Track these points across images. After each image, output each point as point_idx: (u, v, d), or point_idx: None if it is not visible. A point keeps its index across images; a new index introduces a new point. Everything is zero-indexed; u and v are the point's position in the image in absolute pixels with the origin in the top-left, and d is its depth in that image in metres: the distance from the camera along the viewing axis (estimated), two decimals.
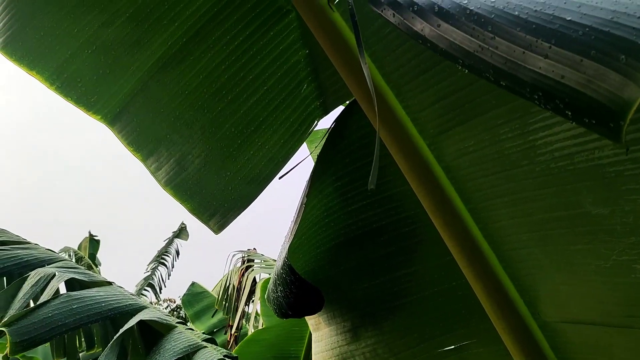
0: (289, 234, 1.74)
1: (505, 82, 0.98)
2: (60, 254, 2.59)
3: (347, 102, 1.78)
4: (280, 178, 1.83)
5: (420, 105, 1.50)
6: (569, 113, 0.87)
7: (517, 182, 1.38)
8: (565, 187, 1.30)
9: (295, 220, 1.73)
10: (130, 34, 1.73)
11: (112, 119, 1.86)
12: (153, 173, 1.90)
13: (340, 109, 1.83)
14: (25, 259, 2.16)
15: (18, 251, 2.20)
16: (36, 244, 2.45)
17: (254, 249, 6.61)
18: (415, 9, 1.18)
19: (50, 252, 2.41)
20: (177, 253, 10.65)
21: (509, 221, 1.45)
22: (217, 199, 1.95)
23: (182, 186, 1.90)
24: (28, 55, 1.72)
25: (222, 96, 1.79)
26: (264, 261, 6.17)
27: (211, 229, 2.01)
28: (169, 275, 10.38)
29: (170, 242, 10.72)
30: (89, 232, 10.83)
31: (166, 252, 10.55)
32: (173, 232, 10.85)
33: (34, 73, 1.73)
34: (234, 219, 2.00)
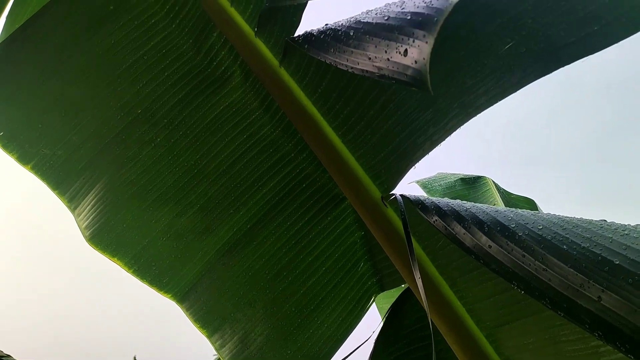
0: None
1: (562, 314, 1.01)
2: None
3: (403, 285, 1.84)
4: None
5: (475, 297, 1.52)
6: (632, 357, 0.88)
7: None
8: None
9: None
10: (201, 222, 1.90)
11: (182, 297, 1.98)
12: (218, 350, 1.97)
13: None
14: None
15: None
16: None
17: None
18: (466, 225, 1.26)
19: None
20: None
21: None
22: None
23: None
24: (112, 244, 1.91)
25: (283, 277, 1.89)
26: None
27: None
28: None
29: None
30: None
31: None
32: None
33: (115, 260, 1.91)
34: None
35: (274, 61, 1.69)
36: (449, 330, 1.55)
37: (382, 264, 1.88)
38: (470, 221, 1.25)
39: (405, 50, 0.94)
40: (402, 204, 1.42)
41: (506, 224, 1.18)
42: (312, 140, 1.69)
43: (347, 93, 1.55)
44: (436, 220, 1.33)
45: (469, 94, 1.25)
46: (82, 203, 1.91)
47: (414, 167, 1.50)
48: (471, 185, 5.31)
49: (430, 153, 1.46)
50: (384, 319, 1.78)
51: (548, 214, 1.19)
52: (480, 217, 1.24)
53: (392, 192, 1.59)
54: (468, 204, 1.32)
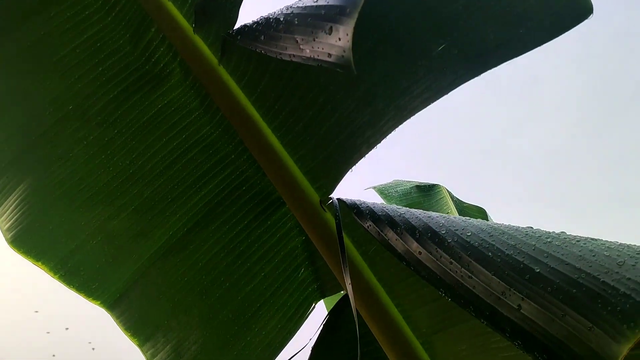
0: None
1: (485, 322, 0.99)
2: None
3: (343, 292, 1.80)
4: None
5: (412, 304, 1.50)
6: None
7: None
8: None
9: None
10: (134, 225, 1.81)
11: (112, 304, 1.88)
12: (149, 359, 1.88)
13: None
14: None
15: None
16: None
17: None
18: (398, 230, 1.23)
19: None
20: None
21: None
22: None
23: None
24: (36, 248, 1.80)
25: (220, 283, 1.83)
26: None
27: None
28: None
29: None
30: None
31: None
32: None
33: (39, 264, 1.80)
34: None
35: (213, 59, 1.63)
36: (385, 337, 1.52)
37: (323, 270, 1.84)
38: (402, 227, 1.22)
39: (330, 28, 0.91)
40: (338, 208, 1.39)
41: (437, 230, 1.16)
42: (251, 141, 1.64)
43: (286, 92, 1.51)
44: (370, 225, 1.30)
45: (404, 95, 1.23)
46: (4, 203, 1.79)
47: (350, 170, 1.47)
48: (426, 193, 5.36)
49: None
50: (322, 325, 1.74)
51: (479, 221, 1.18)
52: (412, 222, 1.22)
53: (331, 196, 1.55)
54: (403, 210, 1.30)
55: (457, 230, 1.13)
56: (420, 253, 1.15)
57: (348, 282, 1.20)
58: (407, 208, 1.31)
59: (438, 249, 1.12)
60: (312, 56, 0.97)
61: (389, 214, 1.29)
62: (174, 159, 1.80)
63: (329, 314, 1.75)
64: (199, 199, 1.81)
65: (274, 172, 1.62)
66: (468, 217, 1.23)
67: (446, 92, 1.14)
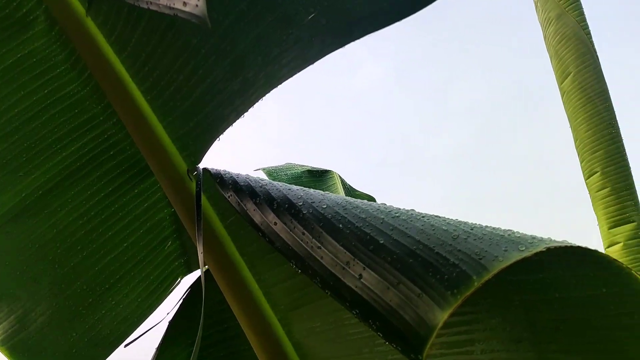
0: None
1: (329, 292, 1.00)
2: None
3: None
4: (126, 346, 1.71)
5: (272, 280, 1.49)
6: (380, 334, 0.88)
7: None
8: None
9: None
10: None
11: None
12: None
13: None
14: None
15: None
16: None
17: None
18: (257, 201, 1.21)
19: None
20: None
21: None
22: None
23: (19, 347, 1.72)
24: None
25: (76, 251, 1.71)
26: None
27: None
28: None
29: None
30: None
31: None
32: None
33: None
34: None
35: (80, 9, 1.51)
36: (243, 314, 1.50)
37: (192, 243, 1.78)
38: (262, 197, 1.20)
39: None
40: (201, 176, 1.35)
41: (294, 202, 1.15)
42: (118, 102, 1.54)
43: (158, 53, 1.43)
44: (231, 195, 1.27)
45: (274, 64, 1.21)
46: None
47: (218, 139, 1.43)
48: (318, 178, 5.41)
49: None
50: (181, 300, 1.69)
51: (338, 196, 1.19)
52: (272, 194, 1.21)
53: (199, 165, 1.50)
54: (266, 181, 1.28)
55: (314, 202, 1.13)
56: (275, 224, 1.14)
57: (200, 251, 1.16)
58: (271, 180, 1.30)
59: (293, 220, 1.11)
60: (167, 4, 0.92)
61: (250, 185, 1.26)
62: (32, 114, 1.65)
63: (190, 288, 1.70)
64: (58, 160, 1.67)
65: (141, 136, 1.53)
66: (329, 192, 1.23)
67: (313, 62, 1.13)
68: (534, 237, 0.89)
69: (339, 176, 5.40)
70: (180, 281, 1.84)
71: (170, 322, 1.67)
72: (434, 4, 0.99)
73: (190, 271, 1.84)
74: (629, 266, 2.51)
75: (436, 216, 1.03)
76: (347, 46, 1.09)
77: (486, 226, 0.96)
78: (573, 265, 0.98)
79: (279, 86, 1.28)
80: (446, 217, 1.02)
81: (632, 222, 2.52)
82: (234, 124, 1.37)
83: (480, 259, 0.83)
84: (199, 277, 1.71)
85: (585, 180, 2.77)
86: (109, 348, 1.76)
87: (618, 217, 2.56)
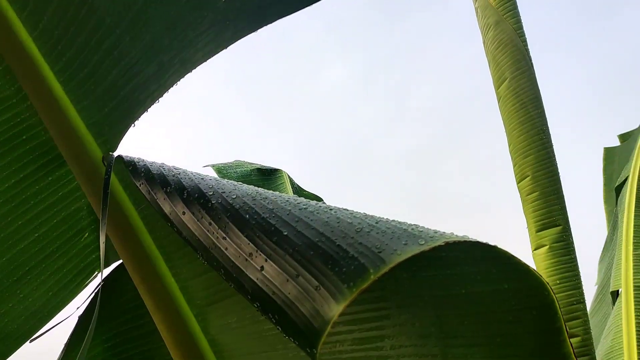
0: None
1: (232, 284, 0.96)
2: None
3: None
4: (31, 341, 1.62)
5: (189, 273, 1.45)
6: (279, 328, 0.86)
7: None
8: None
9: None
10: None
11: None
12: None
13: None
14: None
15: None
16: None
17: None
18: (168, 190, 1.16)
19: None
20: None
21: None
22: None
23: None
24: None
25: None
26: None
27: None
28: None
29: None
30: None
31: None
32: None
33: None
34: None
35: None
36: (157, 309, 1.44)
37: (111, 235, 1.70)
38: (173, 186, 1.16)
39: None
40: (112, 163, 1.28)
41: (205, 191, 1.11)
42: (29, 85, 1.45)
43: (72, 31, 1.35)
44: (142, 183, 1.21)
45: (189, 47, 1.16)
46: None
47: (133, 125, 1.36)
48: (267, 177, 5.36)
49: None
50: (93, 294, 1.61)
51: (250, 187, 1.16)
52: (184, 183, 1.16)
53: (113, 153, 1.43)
54: (179, 170, 1.23)
55: (224, 192, 1.10)
56: (184, 213, 1.10)
57: (102, 241, 1.10)
58: (185, 169, 1.25)
59: (201, 210, 1.07)
60: None
61: (163, 173, 1.22)
62: None
63: (103, 281, 1.63)
64: None
65: (53, 121, 1.45)
66: (242, 183, 1.20)
67: (226, 46, 1.10)
68: (435, 232, 0.88)
69: (288, 175, 5.38)
70: (97, 274, 1.76)
71: (81, 317, 1.59)
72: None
73: (108, 264, 1.75)
74: (556, 268, 2.57)
75: (344, 209, 1.01)
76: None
77: (392, 220, 0.95)
78: (477, 261, 0.99)
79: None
80: (355, 210, 1.01)
81: (558, 225, 2.60)
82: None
83: (380, 252, 0.81)
84: (114, 269, 1.64)
85: (517, 184, 2.84)
86: (16, 343, 1.66)
87: (545, 220, 2.64)
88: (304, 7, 0.96)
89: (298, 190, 5.49)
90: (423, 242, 0.83)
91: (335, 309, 0.76)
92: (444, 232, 0.88)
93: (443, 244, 0.82)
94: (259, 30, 1.07)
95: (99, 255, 1.75)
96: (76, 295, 1.72)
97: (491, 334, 1.01)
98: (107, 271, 1.75)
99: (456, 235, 0.87)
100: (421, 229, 0.89)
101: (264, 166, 5.39)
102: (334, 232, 0.89)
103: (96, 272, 1.76)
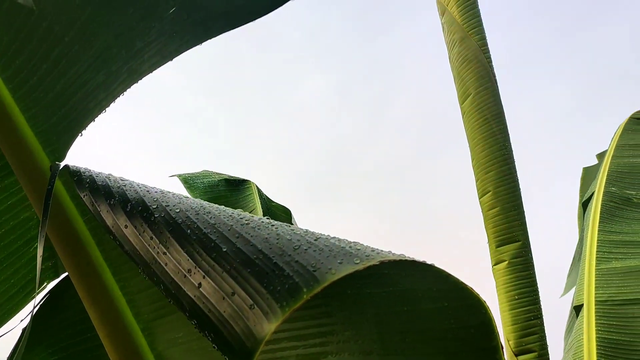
0: None
1: (171, 300, 0.95)
2: None
3: None
4: None
5: (137, 287, 1.42)
6: (215, 347, 0.84)
7: None
8: None
9: None
10: None
11: None
12: None
13: None
14: None
15: None
16: None
17: None
18: (112, 202, 1.14)
19: None
20: None
21: None
22: None
23: None
24: None
25: None
26: None
27: None
28: None
29: None
30: None
31: None
32: None
33: None
34: None
35: None
36: (102, 323, 1.41)
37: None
38: (117, 199, 1.14)
39: None
40: (57, 173, 1.26)
41: (149, 204, 1.09)
42: None
43: (20, 38, 1.32)
44: (86, 195, 1.19)
45: (136, 58, 1.15)
46: None
47: (80, 134, 1.34)
48: (235, 187, 5.31)
49: None
50: (36, 307, 1.57)
51: (195, 200, 1.14)
52: (128, 195, 1.14)
53: (61, 163, 1.40)
54: (126, 182, 1.21)
55: (167, 206, 1.08)
56: (126, 227, 1.08)
57: (40, 254, 1.07)
58: (132, 181, 1.23)
59: (144, 224, 1.06)
60: None
61: (108, 185, 1.19)
62: None
63: (48, 293, 1.59)
64: None
65: (1, 128, 1.41)
66: (188, 197, 1.18)
67: (171, 58, 1.09)
68: (372, 250, 0.88)
69: (257, 186, 5.33)
70: (46, 285, 1.71)
71: (24, 330, 1.55)
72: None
73: (58, 275, 1.71)
74: (515, 283, 2.58)
75: (288, 226, 1.01)
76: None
77: (332, 237, 0.95)
78: (417, 280, 0.99)
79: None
80: (296, 227, 1.00)
81: (518, 241, 2.64)
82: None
83: (315, 271, 0.81)
84: (62, 280, 1.60)
85: (479, 199, 2.88)
86: None
87: (505, 236, 2.67)
88: (247, 23, 0.97)
89: (266, 201, 5.45)
90: (358, 261, 0.83)
91: (267, 328, 0.76)
92: (381, 251, 0.88)
93: (378, 263, 0.82)
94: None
95: (49, 265, 1.71)
96: (24, 307, 1.67)
97: (431, 352, 1.02)
98: (56, 282, 1.71)
99: (393, 253, 0.88)
100: (359, 247, 0.89)
101: (232, 177, 5.34)
102: (272, 249, 0.89)
103: (45, 283, 1.71)
